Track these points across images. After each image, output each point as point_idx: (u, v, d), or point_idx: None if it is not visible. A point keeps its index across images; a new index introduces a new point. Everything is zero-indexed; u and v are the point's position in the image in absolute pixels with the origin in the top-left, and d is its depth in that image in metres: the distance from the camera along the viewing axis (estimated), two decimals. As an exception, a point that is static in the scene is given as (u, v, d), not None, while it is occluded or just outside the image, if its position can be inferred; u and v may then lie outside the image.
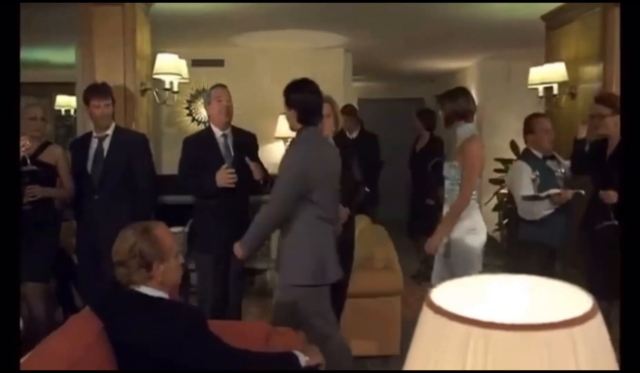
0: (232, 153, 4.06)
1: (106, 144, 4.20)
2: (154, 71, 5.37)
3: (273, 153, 6.76)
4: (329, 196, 3.31)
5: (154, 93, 5.48)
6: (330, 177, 3.33)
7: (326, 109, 3.66)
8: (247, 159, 3.99)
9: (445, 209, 3.84)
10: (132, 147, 4.19)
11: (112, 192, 4.13)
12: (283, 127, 6.51)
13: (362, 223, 5.26)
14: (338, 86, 7.32)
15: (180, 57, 5.52)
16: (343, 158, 3.51)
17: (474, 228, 3.70)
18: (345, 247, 3.73)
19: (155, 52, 5.51)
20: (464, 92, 3.89)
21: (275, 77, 7.10)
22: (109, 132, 4.22)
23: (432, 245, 3.75)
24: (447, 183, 3.85)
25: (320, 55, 7.43)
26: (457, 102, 3.80)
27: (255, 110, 6.94)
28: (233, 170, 3.87)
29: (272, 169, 5.96)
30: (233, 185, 3.87)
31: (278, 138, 7.08)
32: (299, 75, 7.65)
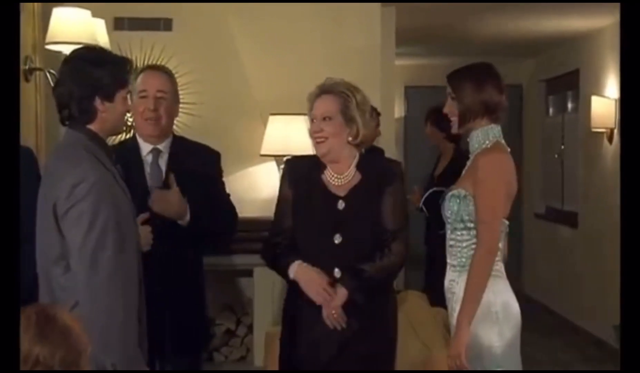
0: (164, 181, 4.31)
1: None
2: (48, 38, 5.42)
3: (259, 180, 6.73)
4: None
5: (47, 75, 5.48)
6: None
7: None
8: (172, 177, 4.17)
9: (450, 277, 3.90)
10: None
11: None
12: (275, 136, 6.36)
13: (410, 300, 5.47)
14: (372, 66, 7.37)
15: (95, 14, 5.58)
16: None
17: (497, 312, 3.74)
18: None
19: (50, 4, 5.54)
20: (494, 72, 3.98)
21: (263, 50, 7.18)
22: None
23: (455, 361, 3.73)
24: (447, 228, 3.95)
25: (339, 13, 7.49)
26: (483, 87, 3.88)
27: (227, 109, 6.97)
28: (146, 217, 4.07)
29: (256, 209, 5.87)
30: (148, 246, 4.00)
31: (266, 156, 6.93)
32: (304, 47, 7.51)
